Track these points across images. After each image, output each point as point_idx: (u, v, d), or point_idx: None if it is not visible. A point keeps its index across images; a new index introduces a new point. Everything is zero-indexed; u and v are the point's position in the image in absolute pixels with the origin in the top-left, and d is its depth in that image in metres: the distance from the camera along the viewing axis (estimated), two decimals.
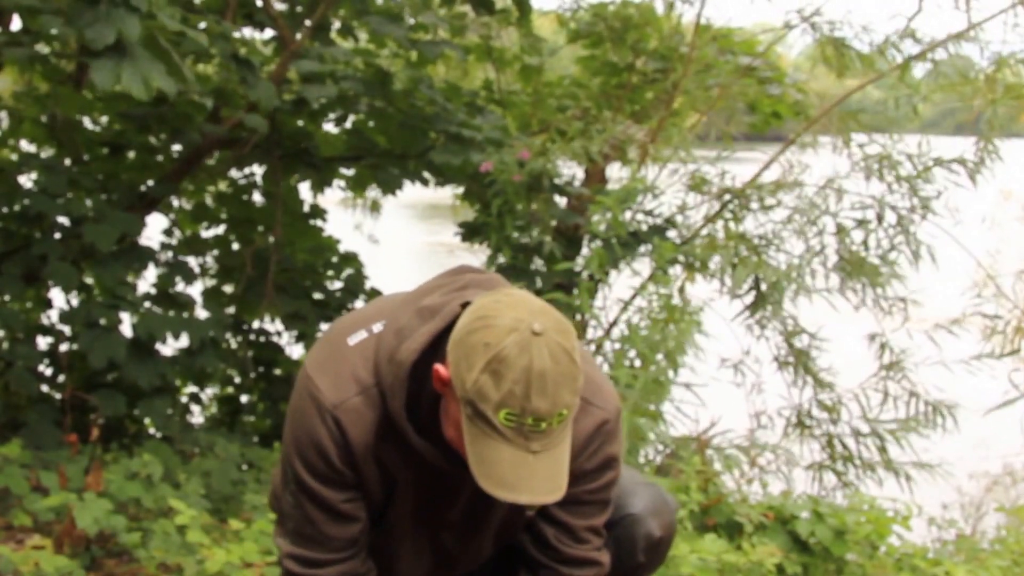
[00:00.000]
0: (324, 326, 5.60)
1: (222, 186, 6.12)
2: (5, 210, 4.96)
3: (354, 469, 1.94)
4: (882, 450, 5.44)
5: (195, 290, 5.54)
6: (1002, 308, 5.68)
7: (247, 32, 5.75)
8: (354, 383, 1.94)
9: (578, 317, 4.98)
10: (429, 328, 1.89)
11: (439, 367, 1.82)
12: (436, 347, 1.89)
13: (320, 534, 2.00)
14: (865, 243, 5.47)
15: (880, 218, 5.46)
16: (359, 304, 5.89)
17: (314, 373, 1.95)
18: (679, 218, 5.62)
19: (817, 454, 5.62)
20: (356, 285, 6.00)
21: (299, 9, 5.66)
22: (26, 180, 5.10)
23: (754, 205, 5.61)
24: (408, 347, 1.88)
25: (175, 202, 5.91)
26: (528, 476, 1.76)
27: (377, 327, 1.98)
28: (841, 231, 5.49)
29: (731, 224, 5.60)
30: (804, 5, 5.90)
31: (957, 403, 5.53)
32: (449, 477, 1.98)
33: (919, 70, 5.90)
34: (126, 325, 4.90)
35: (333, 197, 6.68)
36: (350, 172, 6.06)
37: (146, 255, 5.10)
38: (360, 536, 2.03)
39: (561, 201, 5.62)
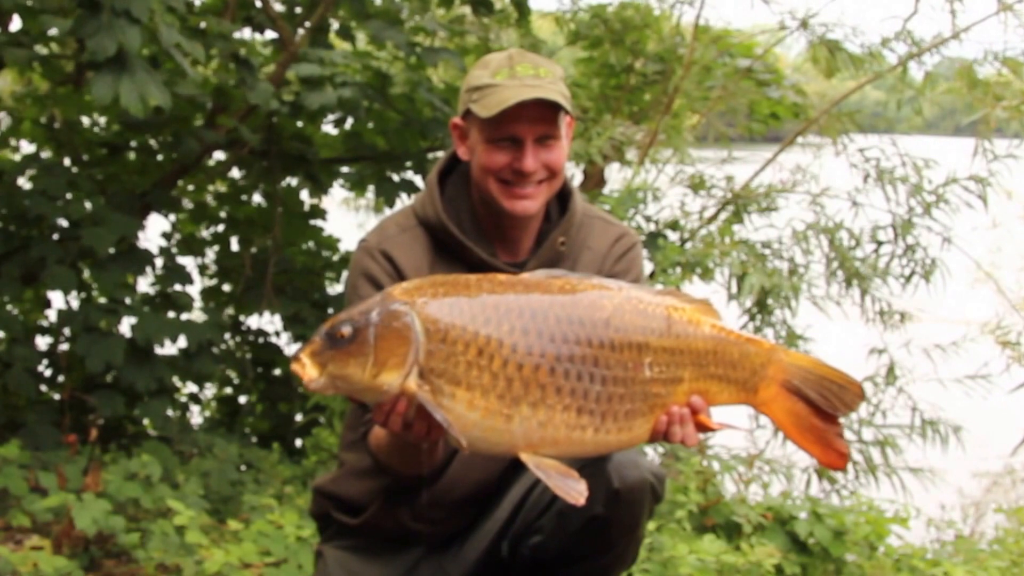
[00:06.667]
0: None
1: (221, 187, 6.11)
2: (4, 211, 4.96)
3: None
4: (868, 458, 5.43)
5: (194, 289, 5.52)
6: (1009, 317, 5.69)
7: (246, 33, 5.73)
8: (395, 226, 2.28)
9: None
10: (446, 155, 2.33)
11: (453, 119, 2.26)
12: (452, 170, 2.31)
13: None
14: (874, 265, 5.47)
15: (897, 236, 5.47)
16: None
17: (364, 237, 2.29)
18: (681, 222, 5.60)
19: None
20: None
21: (298, 10, 5.66)
22: (25, 181, 5.09)
23: (751, 208, 5.61)
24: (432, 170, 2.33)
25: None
26: (526, 94, 2.11)
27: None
28: (847, 251, 5.47)
29: (730, 226, 5.59)
30: (801, 7, 5.90)
31: (957, 409, 5.53)
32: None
33: (918, 72, 5.90)
34: (125, 326, 4.89)
35: (335, 197, 6.66)
36: (349, 173, 6.03)
37: (145, 257, 5.09)
38: None
39: None
